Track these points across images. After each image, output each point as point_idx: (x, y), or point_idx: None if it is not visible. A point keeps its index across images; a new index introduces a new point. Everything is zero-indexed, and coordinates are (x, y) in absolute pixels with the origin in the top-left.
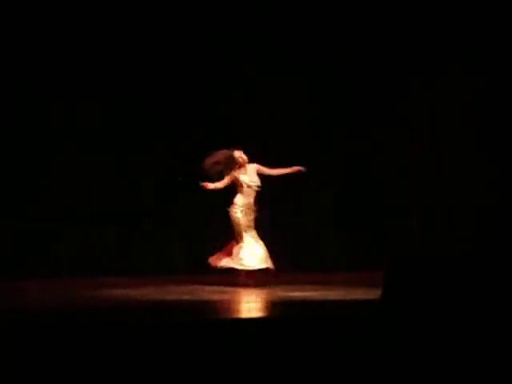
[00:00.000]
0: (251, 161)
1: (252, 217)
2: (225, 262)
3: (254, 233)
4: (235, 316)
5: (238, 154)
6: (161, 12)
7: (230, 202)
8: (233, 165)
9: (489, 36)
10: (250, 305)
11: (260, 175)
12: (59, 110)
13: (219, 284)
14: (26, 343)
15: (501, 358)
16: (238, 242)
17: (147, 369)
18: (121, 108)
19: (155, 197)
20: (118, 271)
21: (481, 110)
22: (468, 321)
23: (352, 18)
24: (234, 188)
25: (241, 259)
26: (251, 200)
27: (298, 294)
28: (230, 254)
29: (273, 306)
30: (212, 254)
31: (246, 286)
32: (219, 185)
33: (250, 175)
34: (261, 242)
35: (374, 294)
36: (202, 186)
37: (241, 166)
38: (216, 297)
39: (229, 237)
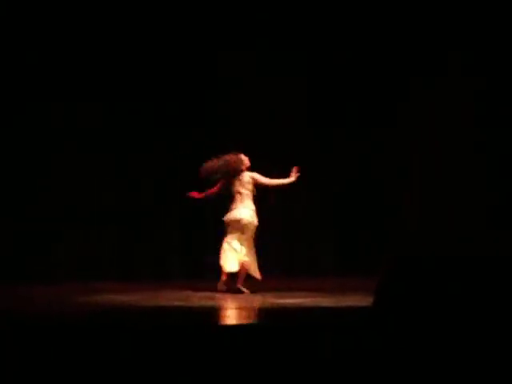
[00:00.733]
0: (251, 166)
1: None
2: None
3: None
4: (226, 322)
5: (245, 158)
6: (161, 12)
7: (246, 212)
8: (237, 169)
9: (489, 36)
10: (242, 311)
11: (256, 183)
12: (59, 110)
13: (212, 290)
14: (21, 347)
15: (501, 358)
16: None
17: (139, 374)
18: (121, 108)
19: (155, 197)
20: (115, 274)
21: (481, 109)
22: (468, 321)
23: (352, 18)
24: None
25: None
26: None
27: (290, 300)
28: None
29: (264, 312)
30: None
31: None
32: (212, 191)
33: (244, 183)
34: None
35: (367, 300)
36: (189, 196)
37: (243, 170)
38: (208, 303)
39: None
